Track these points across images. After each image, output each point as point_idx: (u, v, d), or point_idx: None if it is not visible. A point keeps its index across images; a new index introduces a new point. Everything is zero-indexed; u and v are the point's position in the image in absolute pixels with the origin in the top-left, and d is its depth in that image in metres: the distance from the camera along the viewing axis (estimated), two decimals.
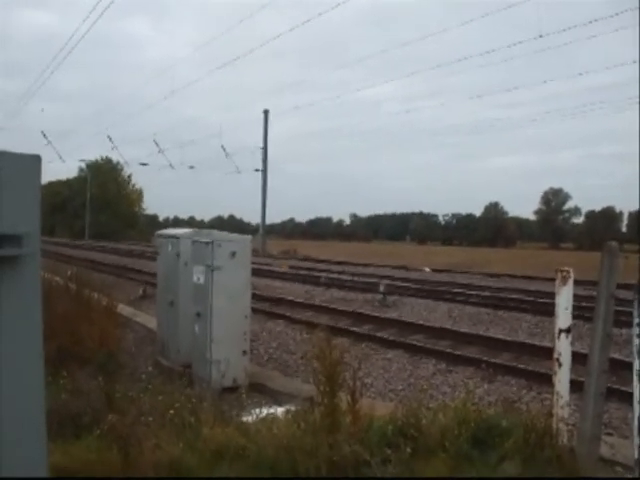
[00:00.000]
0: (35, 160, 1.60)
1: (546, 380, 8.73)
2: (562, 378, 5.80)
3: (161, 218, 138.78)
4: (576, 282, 6.11)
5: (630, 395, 5.33)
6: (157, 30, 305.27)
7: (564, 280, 5.89)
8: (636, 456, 4.95)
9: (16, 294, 1.51)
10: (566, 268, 5.97)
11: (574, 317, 6.04)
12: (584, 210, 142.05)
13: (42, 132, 50.36)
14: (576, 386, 6.15)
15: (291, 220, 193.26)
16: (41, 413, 1.60)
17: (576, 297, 6.24)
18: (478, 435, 5.59)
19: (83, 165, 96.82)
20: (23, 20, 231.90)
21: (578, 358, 6.50)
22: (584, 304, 12.68)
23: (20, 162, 1.56)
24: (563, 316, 5.88)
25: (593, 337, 5.50)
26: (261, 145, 54.67)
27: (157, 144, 53.38)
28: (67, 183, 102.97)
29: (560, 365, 5.81)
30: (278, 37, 54.42)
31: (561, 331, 5.84)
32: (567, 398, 5.79)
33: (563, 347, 5.83)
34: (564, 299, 5.89)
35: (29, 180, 1.56)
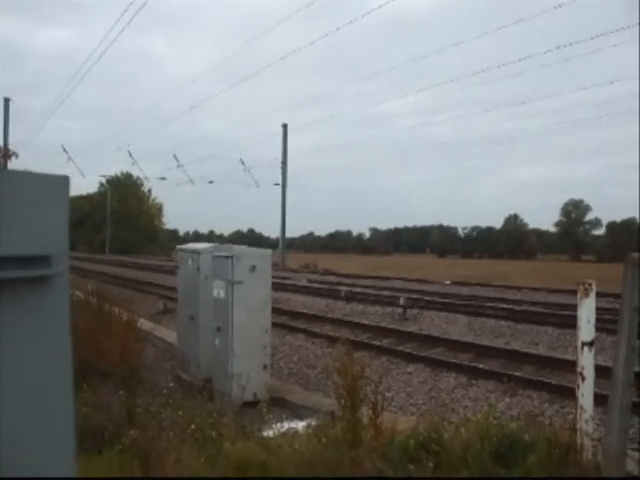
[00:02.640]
0: (63, 181, 1.61)
1: (568, 394, 8.66)
2: (586, 392, 5.74)
3: (181, 232, 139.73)
4: (598, 294, 6.06)
5: None
6: (174, 46, 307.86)
7: (586, 293, 5.84)
8: None
9: (45, 314, 1.52)
10: (588, 281, 5.92)
11: (596, 330, 5.98)
12: (605, 221, 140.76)
13: (63, 148, 50.76)
14: (600, 400, 6.08)
15: (311, 234, 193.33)
16: (70, 432, 1.61)
17: (598, 310, 6.18)
18: (501, 450, 5.53)
19: (103, 180, 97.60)
20: (43, 37, 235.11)
21: (601, 371, 6.43)
22: (606, 317, 12.57)
23: (49, 183, 1.57)
24: (586, 329, 5.83)
25: (617, 350, 5.43)
26: (280, 159, 54.81)
27: (177, 159, 53.68)
28: (88, 198, 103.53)
29: (583, 379, 5.75)
30: (296, 51, 54.53)
31: (584, 344, 5.79)
32: (591, 412, 5.73)
33: (586, 360, 5.77)
34: (586, 312, 5.84)
35: (58, 201, 1.58)
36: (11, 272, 1.42)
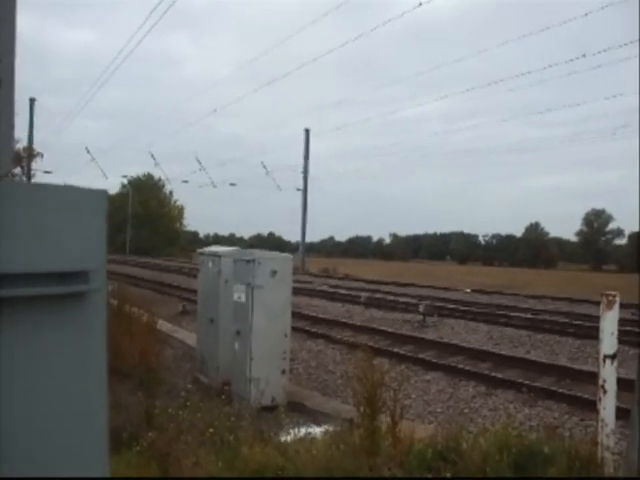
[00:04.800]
0: (101, 195, 1.62)
1: (589, 406, 8.59)
2: (607, 405, 5.69)
3: (202, 235, 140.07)
4: (620, 305, 6.00)
5: None
6: (197, 46, 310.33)
7: (610, 304, 5.79)
8: None
9: (82, 330, 1.53)
10: (612, 292, 5.87)
11: (618, 341, 5.92)
12: (627, 231, 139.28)
13: (86, 149, 51.10)
14: (621, 413, 6.02)
15: (331, 239, 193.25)
16: (104, 450, 1.62)
17: (620, 321, 6.12)
18: (520, 461, 5.49)
19: (125, 181, 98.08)
20: (65, 39, 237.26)
21: (623, 384, 6.37)
22: (628, 328, 12.46)
23: (86, 197, 1.58)
24: (608, 341, 5.78)
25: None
26: (302, 163, 54.79)
27: (199, 162, 53.86)
28: (109, 199, 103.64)
29: (605, 392, 5.70)
30: (321, 56, 54.57)
31: (606, 357, 5.75)
32: (613, 426, 5.67)
33: (608, 373, 5.73)
34: (609, 324, 5.79)
35: (96, 215, 1.58)
36: (48, 288, 1.43)
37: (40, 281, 1.40)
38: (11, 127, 1.58)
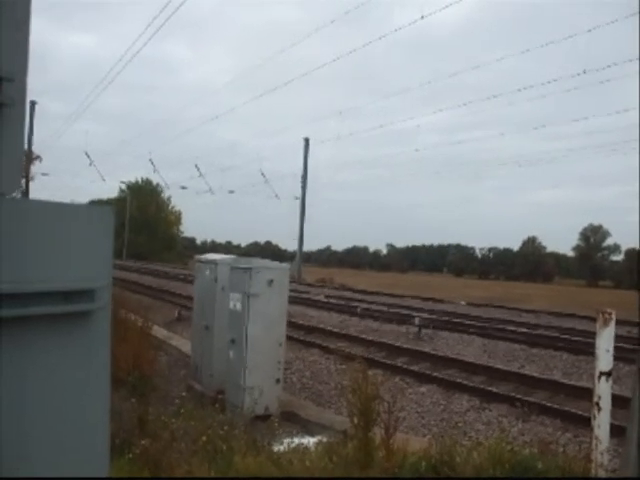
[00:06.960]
0: (107, 212, 1.61)
1: (583, 422, 8.59)
2: (602, 422, 5.68)
3: (199, 241, 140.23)
4: (616, 322, 6.00)
5: None
6: (195, 53, 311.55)
7: (606, 322, 5.79)
8: None
9: (87, 348, 1.53)
10: (608, 310, 5.87)
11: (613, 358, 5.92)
12: (624, 247, 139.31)
13: (86, 153, 51.16)
14: (616, 430, 6.01)
15: (328, 248, 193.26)
16: (105, 469, 1.61)
17: (615, 337, 6.11)
18: (513, 477, 5.48)
19: (124, 186, 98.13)
20: (67, 42, 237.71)
21: (617, 401, 6.36)
22: (623, 345, 12.46)
23: (93, 214, 1.58)
24: (604, 358, 5.78)
25: (636, 380, 5.37)
26: (300, 172, 54.73)
27: (198, 168, 53.93)
28: (107, 203, 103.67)
29: (600, 409, 5.69)
30: (322, 66, 54.61)
31: (602, 374, 5.74)
32: (607, 443, 5.66)
33: (603, 391, 5.72)
34: (605, 341, 5.79)
35: (103, 232, 1.58)
36: (54, 307, 1.42)
37: (46, 300, 1.39)
38: (21, 146, 1.57)
